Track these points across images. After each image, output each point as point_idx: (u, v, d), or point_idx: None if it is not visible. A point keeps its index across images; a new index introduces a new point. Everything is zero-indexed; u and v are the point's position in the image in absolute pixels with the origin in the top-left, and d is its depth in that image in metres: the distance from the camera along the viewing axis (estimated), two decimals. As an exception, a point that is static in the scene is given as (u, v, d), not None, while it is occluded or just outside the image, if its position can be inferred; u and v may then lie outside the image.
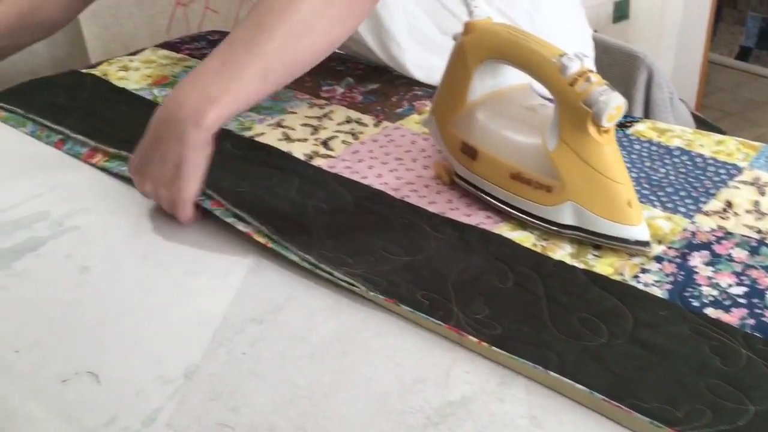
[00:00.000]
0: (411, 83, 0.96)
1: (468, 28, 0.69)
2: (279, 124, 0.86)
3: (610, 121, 0.59)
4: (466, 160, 0.69)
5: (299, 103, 0.92)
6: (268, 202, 0.70)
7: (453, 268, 0.62)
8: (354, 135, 0.84)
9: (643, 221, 0.62)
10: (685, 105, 1.36)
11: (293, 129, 0.85)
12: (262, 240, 0.64)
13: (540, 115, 0.68)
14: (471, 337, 0.53)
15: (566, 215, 0.63)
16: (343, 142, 0.82)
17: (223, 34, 1.16)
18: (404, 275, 0.61)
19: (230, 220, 0.66)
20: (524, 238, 0.65)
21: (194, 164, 0.63)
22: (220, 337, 0.55)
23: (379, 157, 0.79)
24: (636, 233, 0.61)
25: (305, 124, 0.86)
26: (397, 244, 0.65)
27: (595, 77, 0.60)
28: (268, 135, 0.84)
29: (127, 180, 0.75)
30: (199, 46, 1.10)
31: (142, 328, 0.56)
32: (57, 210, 0.70)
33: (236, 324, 0.57)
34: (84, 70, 1.02)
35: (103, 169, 0.77)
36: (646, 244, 0.61)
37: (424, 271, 0.61)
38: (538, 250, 0.64)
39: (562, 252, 0.63)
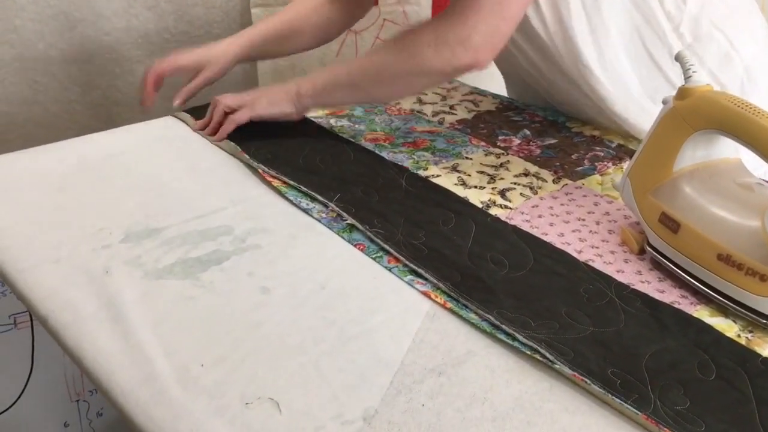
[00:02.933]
0: (591, 142, 0.92)
1: (684, 93, 0.65)
2: (454, 168, 0.85)
3: None
4: (665, 232, 0.65)
5: (474, 149, 0.90)
6: (446, 254, 0.68)
7: (646, 349, 0.57)
8: (532, 189, 0.81)
9: None
10: None
11: (469, 175, 0.84)
12: (440, 300, 0.62)
13: (757, 194, 0.62)
14: (672, 432, 0.49)
15: None
16: (521, 194, 0.80)
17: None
18: (592, 347, 0.57)
19: (408, 278, 0.65)
20: (727, 327, 0.60)
21: (279, 106, 0.88)
22: (399, 383, 0.53)
23: (560, 215, 0.76)
24: None
25: (481, 172, 0.84)
26: (583, 312, 0.61)
27: None
28: (444, 178, 0.83)
29: (303, 209, 0.76)
30: (374, 80, 1.11)
31: (323, 362, 0.55)
32: (240, 226, 0.72)
33: (415, 372, 0.55)
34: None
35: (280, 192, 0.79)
36: None
37: (614, 346, 0.57)
38: (743, 342, 0.58)
39: (771, 349, 0.57)
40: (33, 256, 0.67)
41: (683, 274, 0.64)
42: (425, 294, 0.63)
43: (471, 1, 0.75)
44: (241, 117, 0.88)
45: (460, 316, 0.60)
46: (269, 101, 0.88)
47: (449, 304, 0.62)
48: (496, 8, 0.75)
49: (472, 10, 0.75)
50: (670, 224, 0.64)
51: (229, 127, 0.89)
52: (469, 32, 0.75)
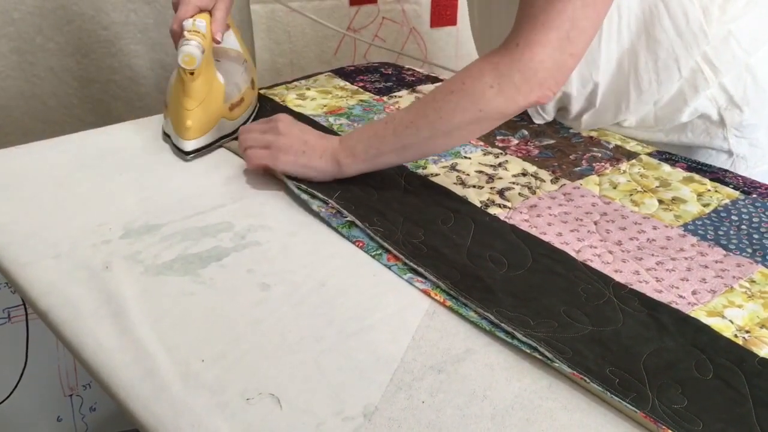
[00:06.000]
0: (588, 143, 0.93)
1: None
2: (453, 168, 0.85)
3: (183, 64, 0.81)
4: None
5: (473, 148, 0.90)
6: (445, 252, 0.68)
7: (644, 348, 0.57)
8: (531, 189, 0.81)
9: (192, 139, 0.84)
10: None
11: (467, 174, 0.84)
12: (439, 298, 0.63)
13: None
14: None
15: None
16: (520, 194, 0.80)
17: (396, 68, 1.18)
18: (591, 346, 0.57)
19: (407, 276, 0.65)
20: (724, 327, 0.60)
21: (312, 169, 0.78)
22: (399, 380, 0.54)
23: (558, 215, 0.76)
24: (184, 145, 0.84)
25: (480, 171, 0.85)
26: (581, 311, 0.62)
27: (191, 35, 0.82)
28: (443, 177, 0.83)
29: (305, 204, 0.76)
30: (373, 78, 1.12)
31: (323, 359, 0.55)
32: (240, 223, 0.72)
33: (415, 369, 0.55)
34: (261, 91, 1.06)
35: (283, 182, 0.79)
36: (185, 153, 0.84)
37: (612, 346, 0.58)
38: (740, 342, 0.59)
39: (767, 349, 0.58)
40: (33, 252, 0.67)
41: None
42: (425, 292, 0.64)
43: (538, 35, 0.69)
44: (260, 160, 0.79)
45: (459, 314, 0.61)
46: (303, 165, 0.78)
47: (449, 303, 0.62)
48: (564, 44, 0.69)
49: (539, 45, 0.69)
50: None
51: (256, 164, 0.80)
52: (536, 68, 0.69)
